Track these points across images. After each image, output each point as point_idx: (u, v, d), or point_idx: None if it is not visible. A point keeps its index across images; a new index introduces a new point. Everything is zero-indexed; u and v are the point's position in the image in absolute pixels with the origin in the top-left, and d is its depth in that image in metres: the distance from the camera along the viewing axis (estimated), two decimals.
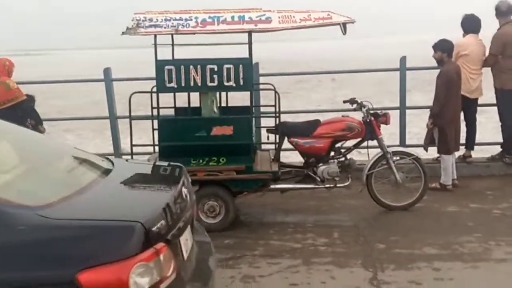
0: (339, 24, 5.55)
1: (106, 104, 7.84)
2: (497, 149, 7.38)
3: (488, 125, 8.66)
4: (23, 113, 6.76)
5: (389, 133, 7.26)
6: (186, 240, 3.02)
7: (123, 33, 5.46)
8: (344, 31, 5.63)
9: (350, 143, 6.21)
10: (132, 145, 5.79)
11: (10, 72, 6.89)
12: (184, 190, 3.16)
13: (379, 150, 6.05)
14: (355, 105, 6.11)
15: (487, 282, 4.33)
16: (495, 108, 7.24)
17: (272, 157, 6.06)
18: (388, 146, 6.13)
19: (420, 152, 6.43)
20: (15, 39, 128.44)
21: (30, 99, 7.06)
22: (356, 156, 6.30)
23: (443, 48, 6.50)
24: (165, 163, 3.89)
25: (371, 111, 6.02)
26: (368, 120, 5.97)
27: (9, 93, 6.70)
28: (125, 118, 6.61)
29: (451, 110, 6.46)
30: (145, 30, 5.39)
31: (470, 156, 7.33)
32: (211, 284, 3.15)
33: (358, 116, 6.11)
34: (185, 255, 2.96)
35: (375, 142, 6.05)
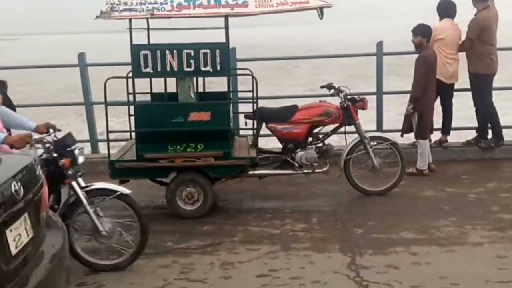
0: (316, 8, 5.51)
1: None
2: (473, 134, 7.46)
3: (464, 110, 8.74)
4: None
5: (366, 118, 7.27)
6: (18, 236, 2.95)
7: (97, 17, 5.35)
8: (321, 16, 5.59)
9: (327, 128, 6.21)
10: (108, 132, 5.70)
11: None
12: (16, 184, 2.97)
13: (356, 135, 6.07)
14: (332, 91, 6.10)
15: (463, 266, 4.36)
16: (470, 93, 7.29)
17: (250, 143, 6.04)
18: (366, 131, 6.14)
19: (396, 137, 6.46)
20: None
21: (2, 84, 6.91)
22: (334, 141, 6.30)
23: (423, 33, 6.51)
24: (13, 156, 3.69)
25: (349, 96, 6.02)
26: (345, 105, 5.97)
27: None
28: (100, 104, 6.50)
29: (430, 94, 6.52)
30: (119, 14, 5.29)
31: (446, 141, 7.40)
32: (50, 278, 3.08)
33: (335, 101, 6.11)
34: (14, 251, 2.89)
35: (352, 128, 6.06)
